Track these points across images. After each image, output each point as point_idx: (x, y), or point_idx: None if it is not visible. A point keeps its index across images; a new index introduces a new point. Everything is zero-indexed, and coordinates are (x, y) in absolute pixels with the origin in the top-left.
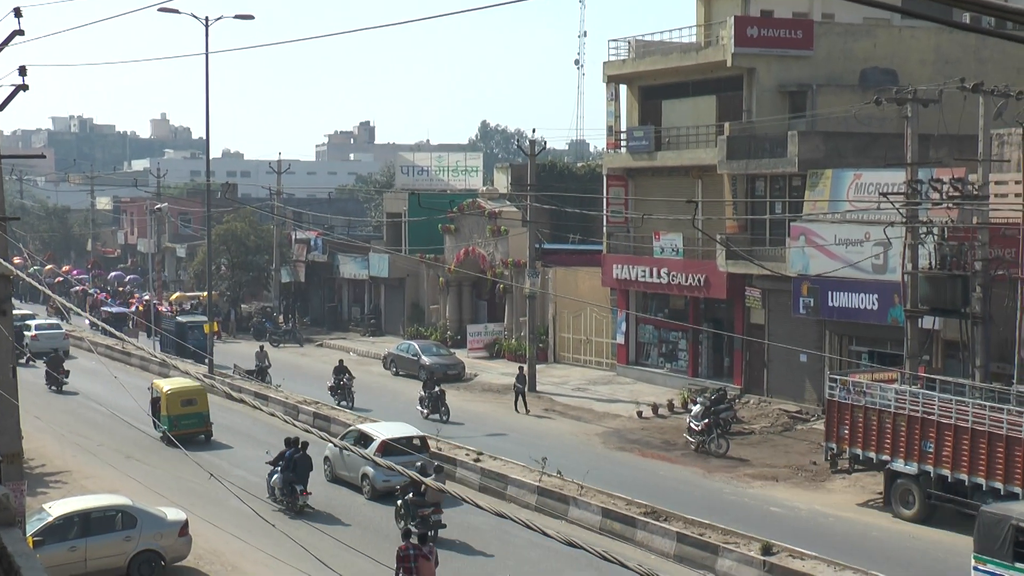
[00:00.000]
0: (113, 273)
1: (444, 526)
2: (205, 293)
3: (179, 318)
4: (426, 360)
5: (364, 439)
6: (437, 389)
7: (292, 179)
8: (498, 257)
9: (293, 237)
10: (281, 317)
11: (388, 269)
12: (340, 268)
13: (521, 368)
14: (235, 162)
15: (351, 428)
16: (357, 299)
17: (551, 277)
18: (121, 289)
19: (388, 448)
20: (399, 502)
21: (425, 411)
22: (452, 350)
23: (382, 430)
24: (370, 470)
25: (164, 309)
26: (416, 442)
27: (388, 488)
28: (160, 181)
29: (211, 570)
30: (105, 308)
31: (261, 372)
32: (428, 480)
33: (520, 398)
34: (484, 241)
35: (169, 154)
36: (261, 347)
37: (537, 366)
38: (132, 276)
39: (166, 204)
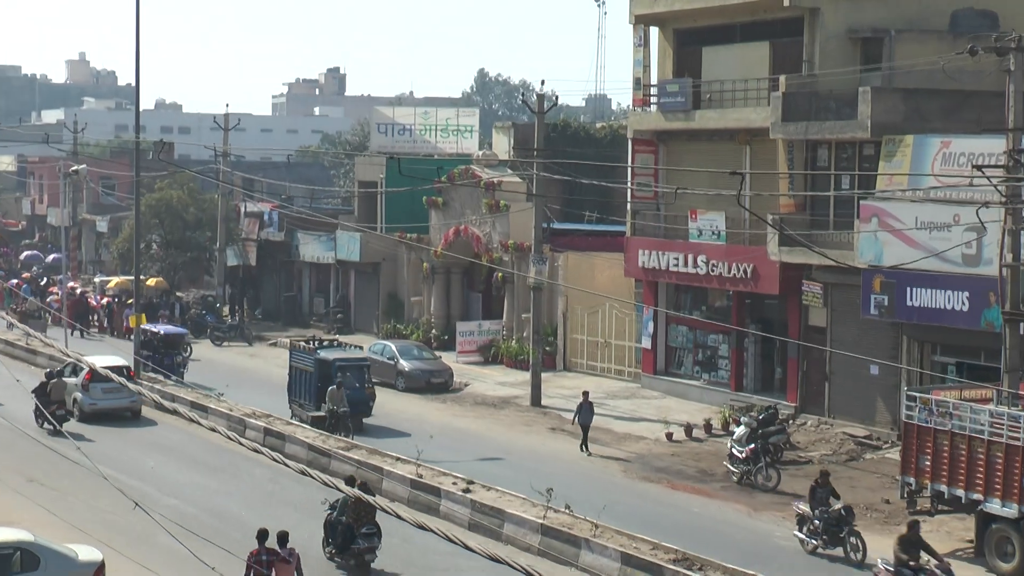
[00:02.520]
0: (27, 253)
1: (375, 557)
2: (124, 279)
3: (322, 353)
4: (405, 365)
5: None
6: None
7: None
8: (496, 238)
9: (242, 210)
10: (226, 309)
11: (360, 251)
12: (300, 249)
13: (586, 394)
14: (171, 115)
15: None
16: (321, 288)
17: (561, 264)
18: (28, 275)
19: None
20: (329, 519)
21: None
22: (438, 353)
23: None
24: (79, 395)
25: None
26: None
27: (95, 411)
28: (77, 137)
29: None
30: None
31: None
32: (364, 495)
33: (585, 434)
34: (479, 219)
35: (89, 104)
36: (184, 339)
37: (543, 375)
38: (33, 253)
39: (84, 166)
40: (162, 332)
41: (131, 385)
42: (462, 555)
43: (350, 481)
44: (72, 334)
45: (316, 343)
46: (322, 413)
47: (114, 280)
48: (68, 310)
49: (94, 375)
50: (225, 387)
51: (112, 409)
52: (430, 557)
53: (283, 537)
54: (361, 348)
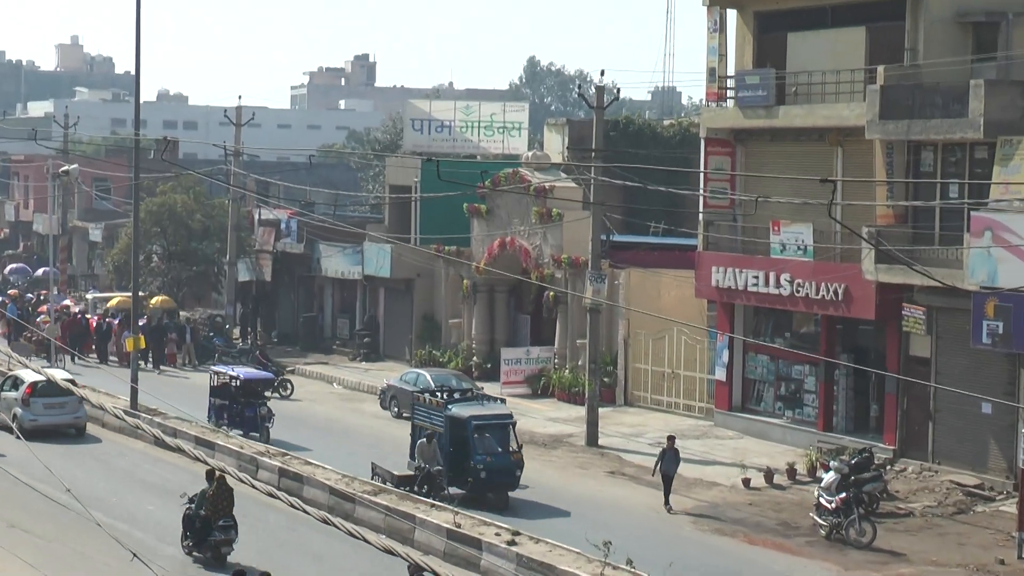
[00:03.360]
0: (11, 267)
1: (231, 549)
2: (125, 296)
3: (455, 409)
4: None
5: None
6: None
7: (257, 134)
8: (547, 252)
9: (256, 217)
10: (236, 331)
11: (391, 266)
12: (322, 263)
13: (671, 440)
14: (176, 108)
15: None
16: (346, 308)
17: (622, 283)
18: (14, 292)
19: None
20: (187, 513)
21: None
22: (479, 384)
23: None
24: (18, 410)
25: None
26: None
27: (36, 427)
28: (68, 132)
29: None
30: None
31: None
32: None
33: (668, 486)
34: (528, 229)
35: (82, 94)
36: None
37: (600, 410)
38: (18, 266)
39: (75, 166)
40: (241, 377)
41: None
42: None
43: (210, 474)
44: (62, 360)
45: (445, 395)
46: (410, 472)
47: (115, 298)
48: (62, 332)
49: (35, 389)
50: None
51: (55, 426)
52: None
53: None
54: (503, 402)
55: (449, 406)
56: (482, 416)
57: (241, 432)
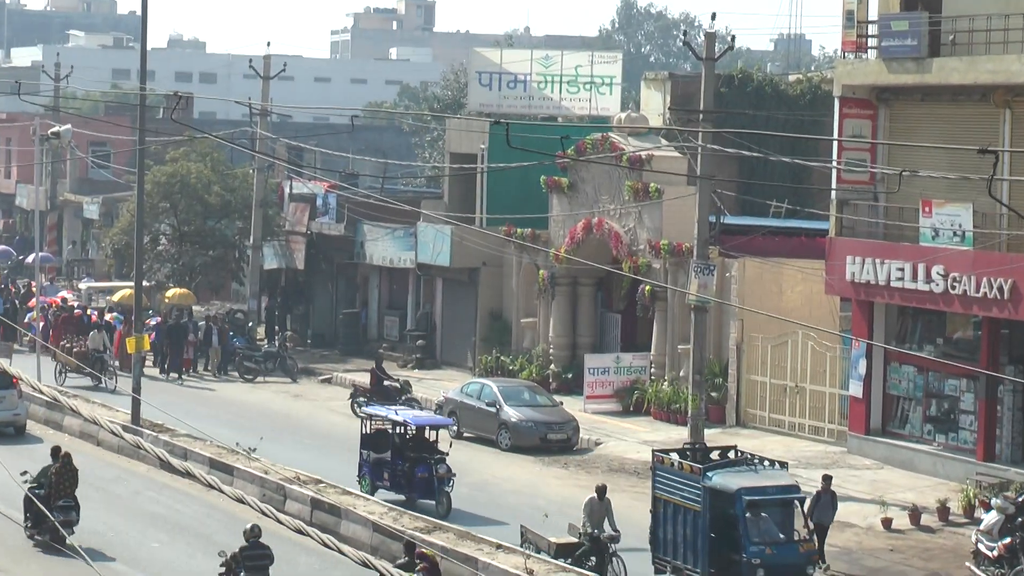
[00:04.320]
0: None
1: (72, 532)
2: (125, 286)
3: (717, 479)
4: (512, 414)
5: None
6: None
7: (289, 89)
8: (643, 237)
9: (287, 191)
10: (261, 330)
11: (450, 252)
12: (367, 248)
13: (827, 480)
14: (191, 58)
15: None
16: (395, 302)
17: (736, 275)
18: None
19: None
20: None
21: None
22: (558, 398)
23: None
24: None
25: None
26: None
27: None
28: (60, 86)
29: None
30: None
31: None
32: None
33: (823, 538)
34: (620, 208)
35: (77, 39)
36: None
37: (707, 431)
38: (1, 249)
39: (68, 127)
40: (410, 423)
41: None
42: None
43: (55, 451)
44: (60, 372)
45: (701, 453)
46: (572, 539)
47: (121, 289)
48: (55, 331)
49: None
50: (258, 440)
51: None
52: None
53: None
54: (784, 466)
55: (709, 473)
56: (758, 488)
57: (408, 497)
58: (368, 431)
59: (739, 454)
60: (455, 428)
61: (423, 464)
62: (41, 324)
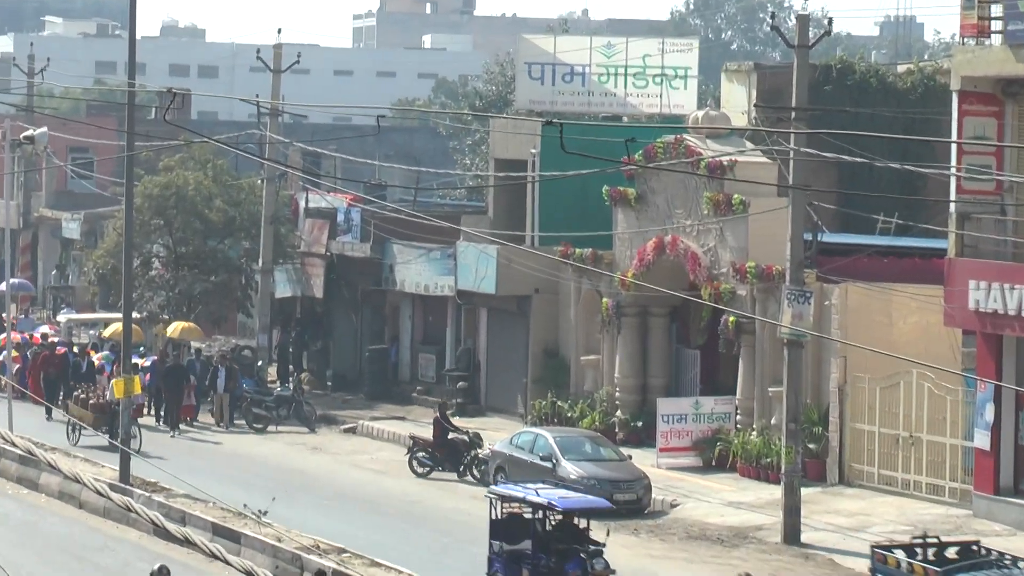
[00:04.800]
0: None
1: None
2: (113, 319)
3: None
4: (571, 469)
5: None
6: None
7: (304, 84)
8: (726, 258)
9: (302, 205)
10: (273, 369)
11: (496, 277)
12: (397, 272)
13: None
14: (188, 48)
15: None
16: (431, 337)
17: (837, 304)
18: None
19: None
20: None
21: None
22: (625, 450)
23: None
24: None
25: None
26: None
27: None
28: (35, 81)
29: None
30: None
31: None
32: None
33: None
34: (698, 224)
35: (54, 26)
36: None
37: (805, 491)
38: None
39: (43, 130)
40: (557, 507)
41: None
42: None
43: None
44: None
45: (935, 551)
46: None
47: (114, 324)
48: (32, 373)
49: None
50: (270, 501)
51: None
52: None
53: None
54: None
55: None
56: None
57: None
58: (498, 516)
59: (986, 552)
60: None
61: (574, 559)
62: (17, 366)
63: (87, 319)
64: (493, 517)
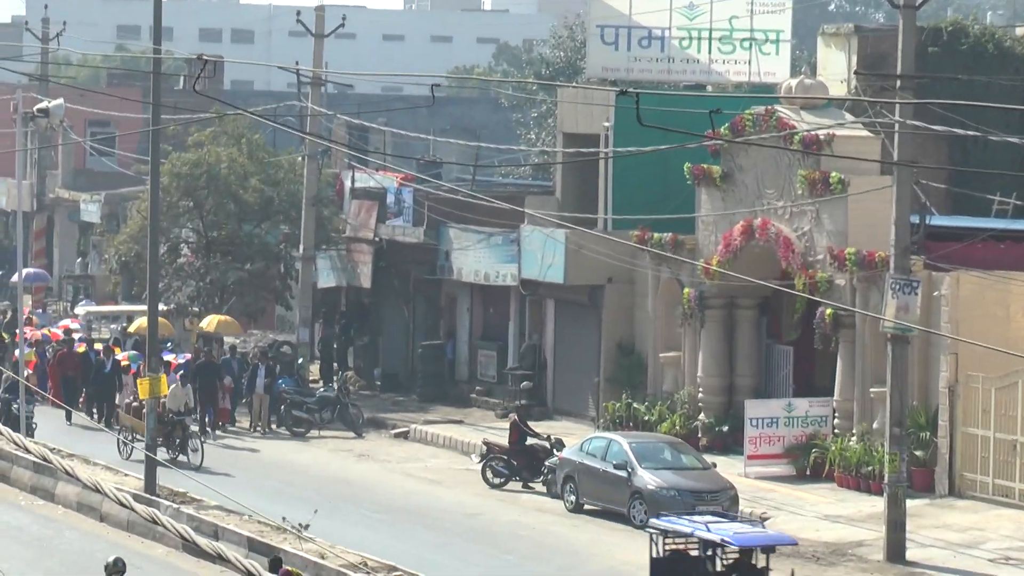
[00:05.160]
0: None
1: None
2: (136, 311)
3: None
4: (648, 479)
5: None
6: None
7: (349, 50)
8: (823, 244)
9: (347, 184)
10: (314, 368)
11: (565, 265)
12: (454, 260)
13: None
14: (220, 10)
15: None
16: (491, 331)
17: (947, 294)
18: None
19: None
20: None
21: None
22: (709, 458)
23: None
24: None
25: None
26: None
27: None
28: (50, 48)
29: None
30: None
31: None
32: None
33: None
34: (791, 205)
35: None
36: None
37: (910, 503)
38: None
39: (60, 101)
40: (732, 544)
41: None
42: None
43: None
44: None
45: None
46: None
47: (142, 318)
48: (52, 374)
49: None
50: (312, 514)
51: None
52: None
53: None
54: None
55: None
56: None
57: None
58: (660, 554)
59: None
60: (572, 498)
61: None
62: (33, 364)
63: (107, 311)
64: (654, 555)
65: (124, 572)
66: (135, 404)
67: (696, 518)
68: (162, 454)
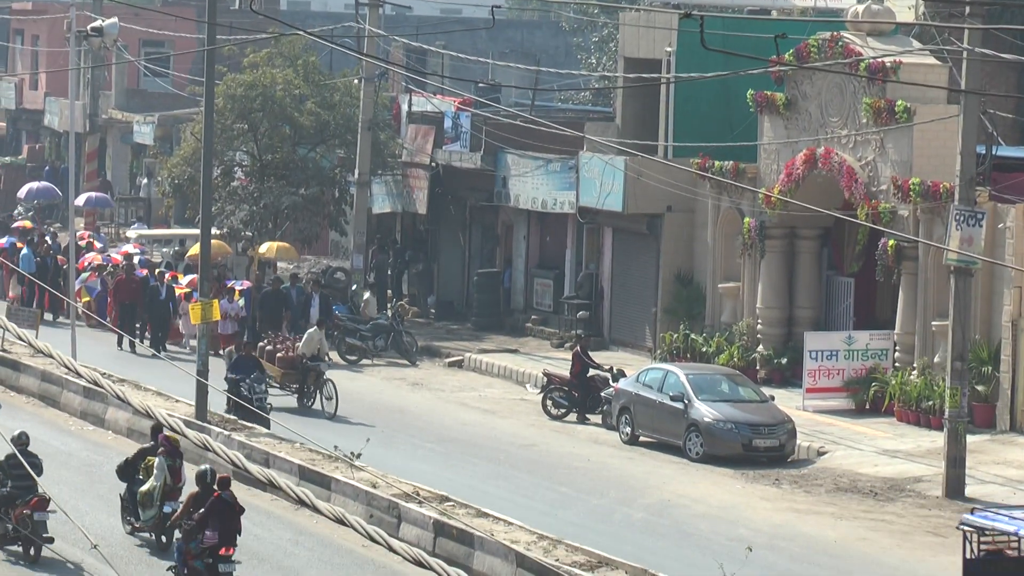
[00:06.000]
0: (32, 186)
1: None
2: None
3: None
4: (705, 412)
5: None
6: None
7: None
8: (887, 174)
9: (404, 108)
10: (367, 295)
11: (624, 193)
12: (512, 186)
13: None
14: None
15: None
16: (548, 260)
17: (1012, 227)
18: (22, 226)
19: None
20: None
21: None
22: (768, 391)
23: None
24: None
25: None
26: None
27: None
28: None
29: None
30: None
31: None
32: None
33: None
34: (855, 134)
35: None
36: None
37: (971, 439)
38: (42, 186)
39: (113, 20)
40: None
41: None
42: None
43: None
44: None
45: None
46: None
47: (193, 243)
48: (113, 300)
49: None
50: (364, 443)
51: None
52: None
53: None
54: None
55: None
56: None
57: None
58: (975, 554)
59: None
60: (627, 430)
61: None
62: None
63: (160, 235)
64: (968, 556)
65: (28, 444)
66: (268, 348)
67: (1018, 513)
68: (293, 400)
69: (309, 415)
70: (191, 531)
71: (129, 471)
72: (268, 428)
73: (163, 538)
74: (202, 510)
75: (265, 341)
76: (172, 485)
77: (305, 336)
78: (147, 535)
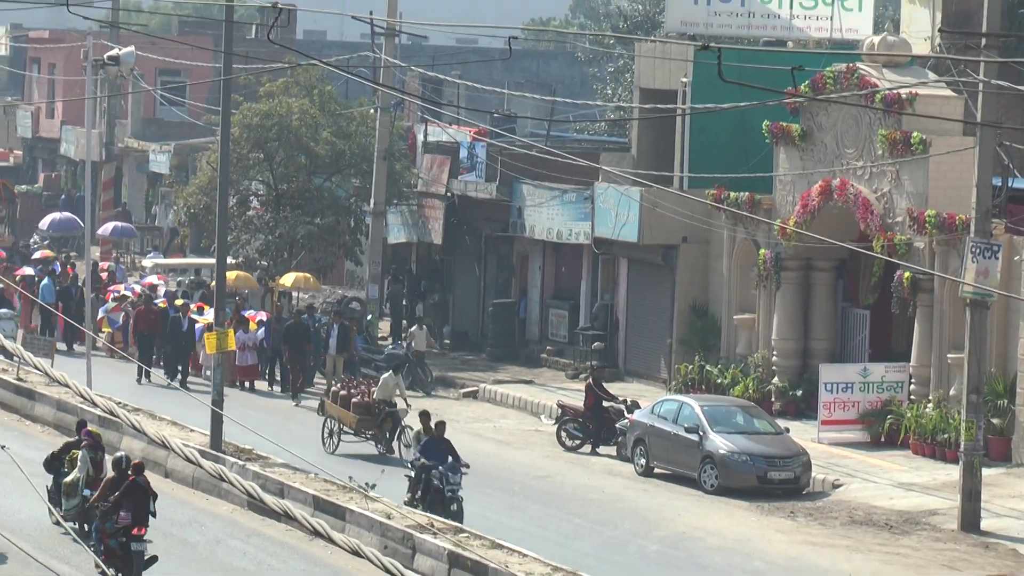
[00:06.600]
0: (54, 217)
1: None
2: (204, 264)
3: None
4: (720, 444)
5: None
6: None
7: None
8: (902, 205)
9: (420, 138)
10: (383, 325)
11: (639, 224)
12: (527, 217)
13: None
14: None
15: None
16: (563, 291)
17: None
18: (43, 254)
19: None
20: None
21: None
22: (783, 423)
23: None
24: None
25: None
26: None
27: None
28: None
29: None
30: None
31: None
32: None
33: None
34: (871, 166)
35: None
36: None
37: (987, 472)
38: (65, 217)
39: (130, 49)
40: None
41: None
42: None
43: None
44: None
45: None
46: None
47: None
48: (130, 329)
49: None
50: (379, 473)
51: None
52: None
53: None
54: None
55: None
56: None
57: None
58: None
59: None
60: (642, 462)
61: None
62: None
63: (176, 264)
64: None
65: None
66: (342, 393)
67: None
68: (369, 447)
69: (389, 463)
70: (107, 512)
71: (55, 464)
72: (461, 523)
73: (86, 526)
74: (117, 493)
75: (339, 386)
76: (94, 476)
77: (380, 381)
78: (72, 524)
